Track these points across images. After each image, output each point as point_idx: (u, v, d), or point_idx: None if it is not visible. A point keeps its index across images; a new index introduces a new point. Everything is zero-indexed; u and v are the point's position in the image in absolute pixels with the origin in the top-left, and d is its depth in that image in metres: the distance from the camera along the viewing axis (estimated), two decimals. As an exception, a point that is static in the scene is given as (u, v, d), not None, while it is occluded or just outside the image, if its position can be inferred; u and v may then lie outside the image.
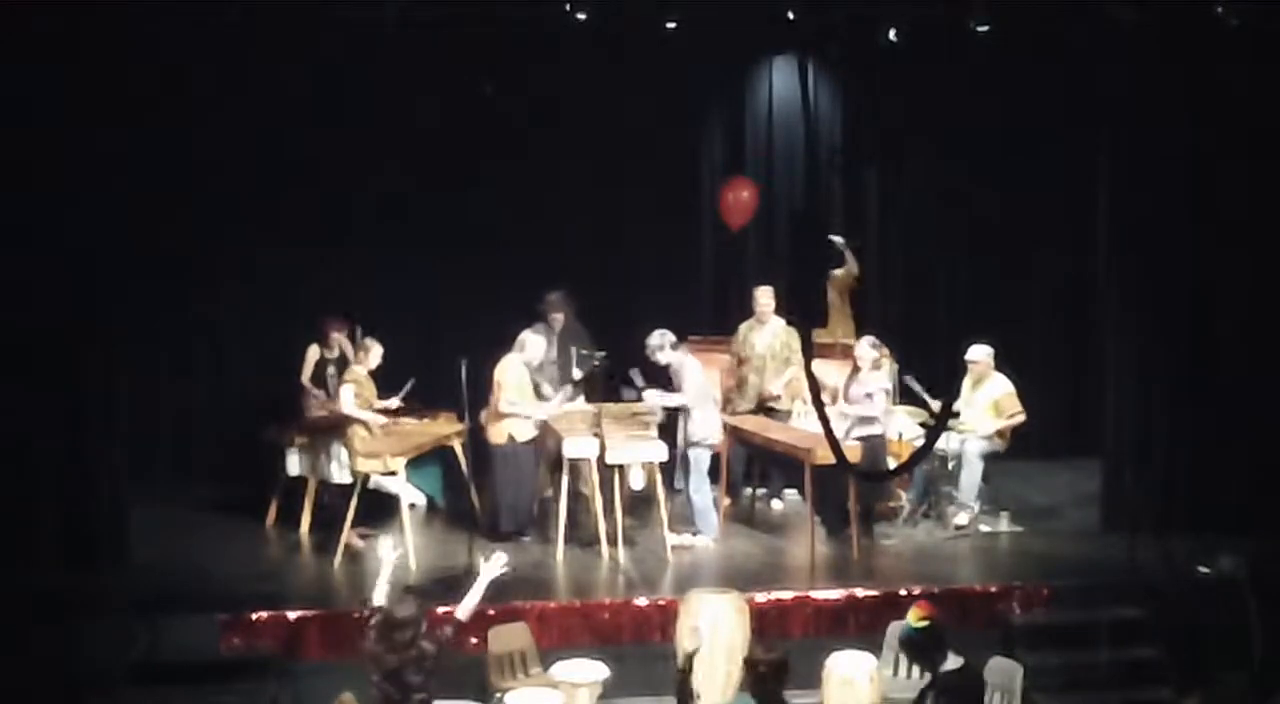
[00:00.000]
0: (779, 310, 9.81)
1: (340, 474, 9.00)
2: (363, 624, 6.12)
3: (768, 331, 9.73)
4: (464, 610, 6.25)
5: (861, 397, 9.05)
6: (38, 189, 8.00)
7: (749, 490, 9.99)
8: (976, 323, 10.12)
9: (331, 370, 9.41)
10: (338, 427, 8.92)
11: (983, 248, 11.05)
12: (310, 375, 9.44)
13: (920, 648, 5.77)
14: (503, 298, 10.11)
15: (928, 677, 6.91)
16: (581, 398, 9.77)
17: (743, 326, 9.88)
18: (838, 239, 10.70)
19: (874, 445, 8.95)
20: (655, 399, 9.06)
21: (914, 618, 5.74)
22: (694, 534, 9.01)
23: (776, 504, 10.12)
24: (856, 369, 9.17)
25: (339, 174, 10.25)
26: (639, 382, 9.40)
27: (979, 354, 9.28)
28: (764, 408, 9.70)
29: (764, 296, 9.77)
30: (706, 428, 9.04)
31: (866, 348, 9.16)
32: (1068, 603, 8.08)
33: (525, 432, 9.03)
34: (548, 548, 8.81)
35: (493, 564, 6.37)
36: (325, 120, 10.09)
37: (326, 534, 8.80)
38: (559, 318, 9.78)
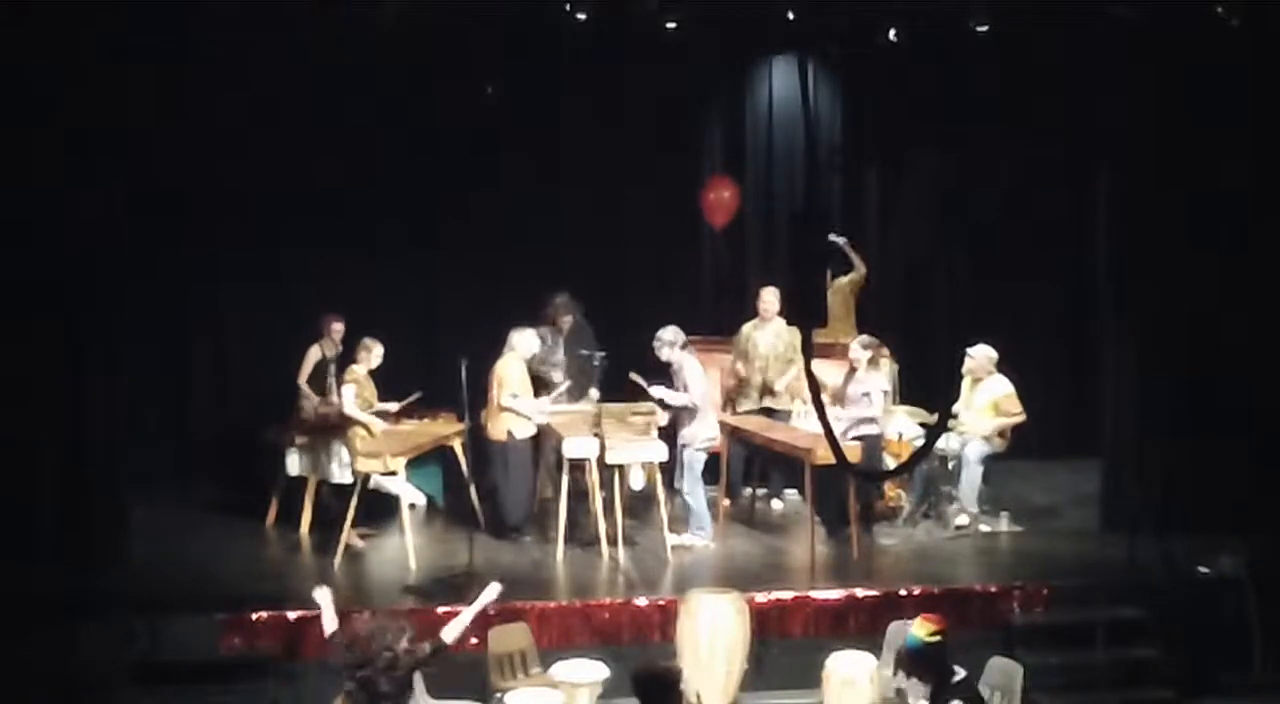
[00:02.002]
0: (780, 310, 9.82)
1: (340, 474, 9.01)
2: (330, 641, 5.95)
3: (770, 331, 9.74)
4: (450, 634, 6.05)
5: (859, 397, 9.05)
6: (38, 188, 7.99)
7: (749, 490, 9.99)
8: (977, 323, 10.13)
9: (332, 369, 9.41)
10: (337, 427, 8.92)
11: (983, 248, 11.05)
12: (309, 376, 9.44)
13: (927, 660, 5.65)
14: (503, 298, 10.12)
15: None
16: (568, 395, 9.80)
17: (746, 326, 9.88)
18: (838, 239, 10.72)
19: (871, 445, 8.96)
20: (662, 394, 9.05)
21: (924, 632, 5.64)
22: (691, 534, 9.02)
23: (776, 504, 10.13)
24: (853, 369, 9.18)
25: (339, 174, 10.24)
26: (642, 382, 9.41)
27: (979, 354, 9.28)
28: (764, 408, 9.70)
29: (768, 296, 9.78)
30: (705, 430, 9.04)
31: (859, 348, 9.19)
32: (1068, 603, 8.07)
33: (525, 429, 9.04)
34: (548, 548, 8.81)
35: (489, 592, 6.33)
36: (325, 120, 10.09)
37: (326, 534, 8.80)
38: (567, 320, 9.82)
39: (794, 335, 9.71)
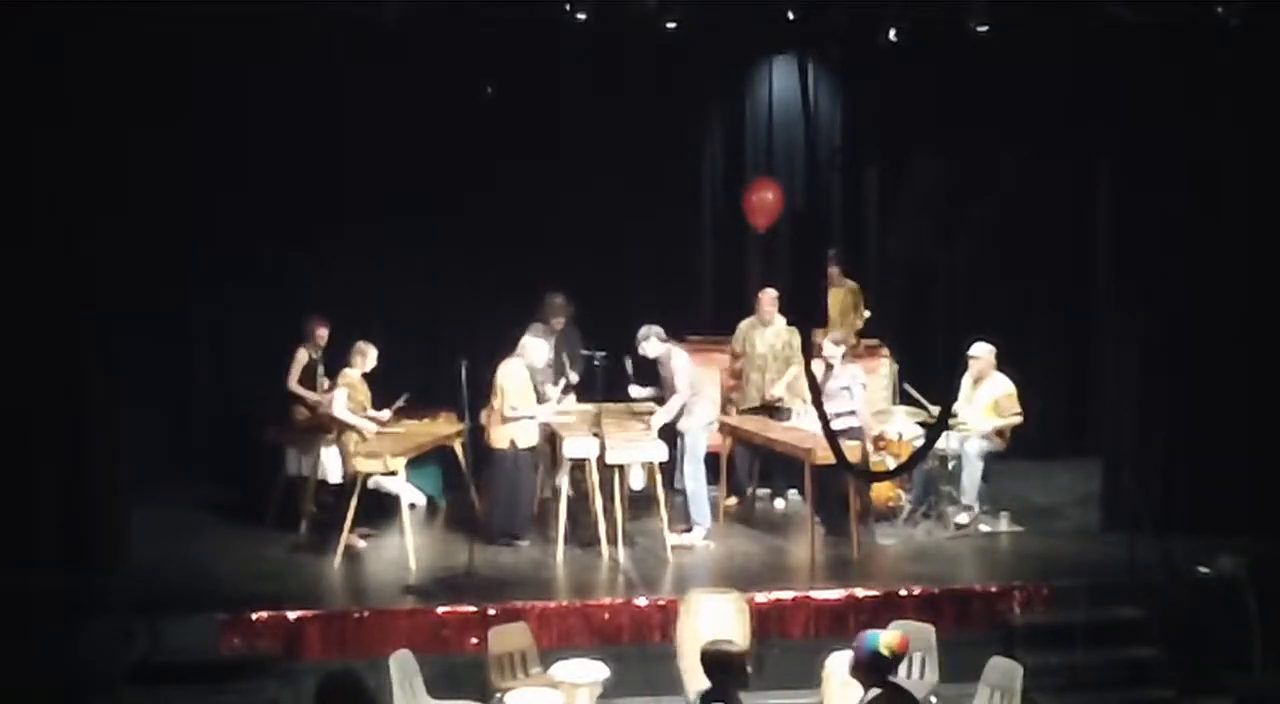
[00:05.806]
0: (780, 310, 9.83)
1: (339, 474, 9.00)
2: None
3: (770, 331, 9.76)
4: None
5: (838, 391, 9.08)
6: (38, 189, 7.99)
7: (750, 490, 9.99)
8: (976, 321, 10.13)
9: (320, 370, 9.41)
10: (332, 428, 8.91)
11: (983, 248, 11.05)
12: (298, 378, 9.43)
13: (873, 669, 5.11)
14: (503, 299, 10.11)
15: (930, 678, 6.96)
16: (572, 398, 9.78)
17: (743, 324, 9.91)
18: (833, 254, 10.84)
19: (853, 437, 8.94)
20: (640, 392, 9.15)
21: (887, 645, 5.12)
22: (689, 528, 9.01)
23: (779, 503, 10.13)
24: (829, 366, 9.21)
25: (339, 174, 10.24)
26: (629, 371, 9.42)
27: (980, 351, 9.31)
28: (767, 408, 9.71)
29: (766, 299, 9.82)
30: (703, 415, 9.06)
31: (830, 345, 9.25)
32: (1068, 603, 8.05)
33: (527, 438, 8.97)
34: (548, 548, 8.81)
35: None
36: (325, 120, 10.08)
37: (326, 534, 8.79)
38: (559, 321, 9.80)
39: (793, 335, 9.74)
